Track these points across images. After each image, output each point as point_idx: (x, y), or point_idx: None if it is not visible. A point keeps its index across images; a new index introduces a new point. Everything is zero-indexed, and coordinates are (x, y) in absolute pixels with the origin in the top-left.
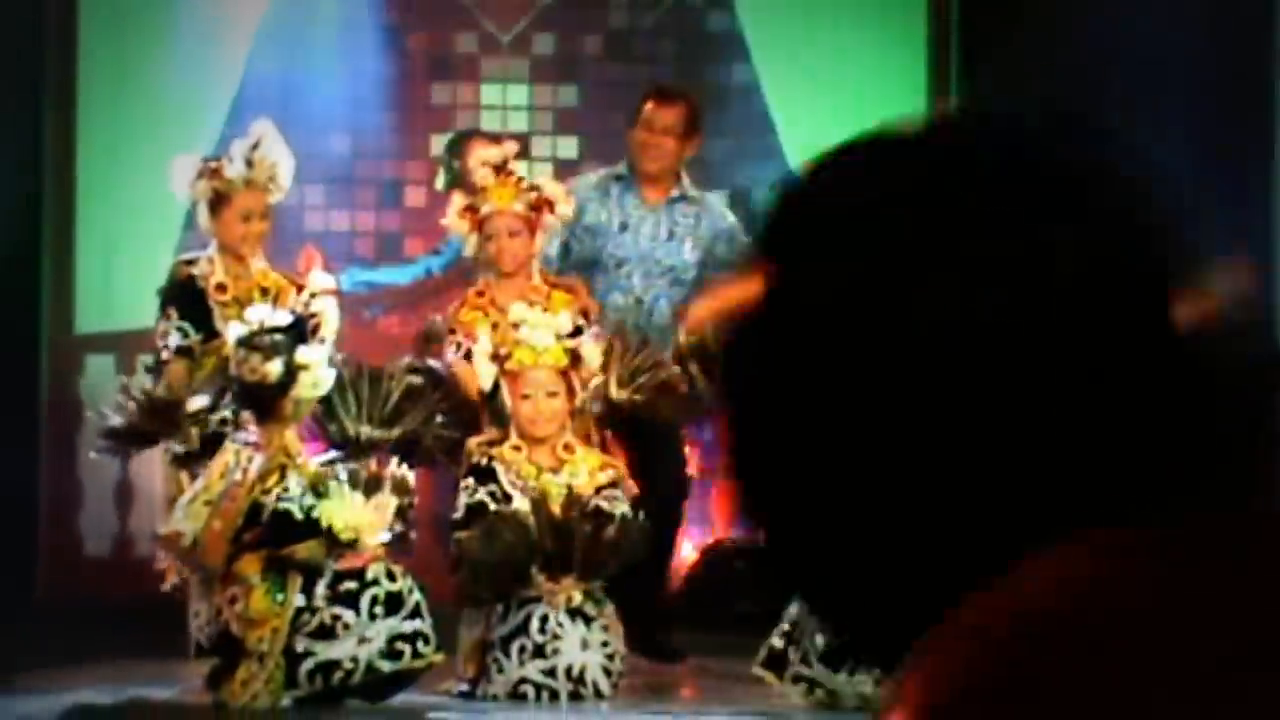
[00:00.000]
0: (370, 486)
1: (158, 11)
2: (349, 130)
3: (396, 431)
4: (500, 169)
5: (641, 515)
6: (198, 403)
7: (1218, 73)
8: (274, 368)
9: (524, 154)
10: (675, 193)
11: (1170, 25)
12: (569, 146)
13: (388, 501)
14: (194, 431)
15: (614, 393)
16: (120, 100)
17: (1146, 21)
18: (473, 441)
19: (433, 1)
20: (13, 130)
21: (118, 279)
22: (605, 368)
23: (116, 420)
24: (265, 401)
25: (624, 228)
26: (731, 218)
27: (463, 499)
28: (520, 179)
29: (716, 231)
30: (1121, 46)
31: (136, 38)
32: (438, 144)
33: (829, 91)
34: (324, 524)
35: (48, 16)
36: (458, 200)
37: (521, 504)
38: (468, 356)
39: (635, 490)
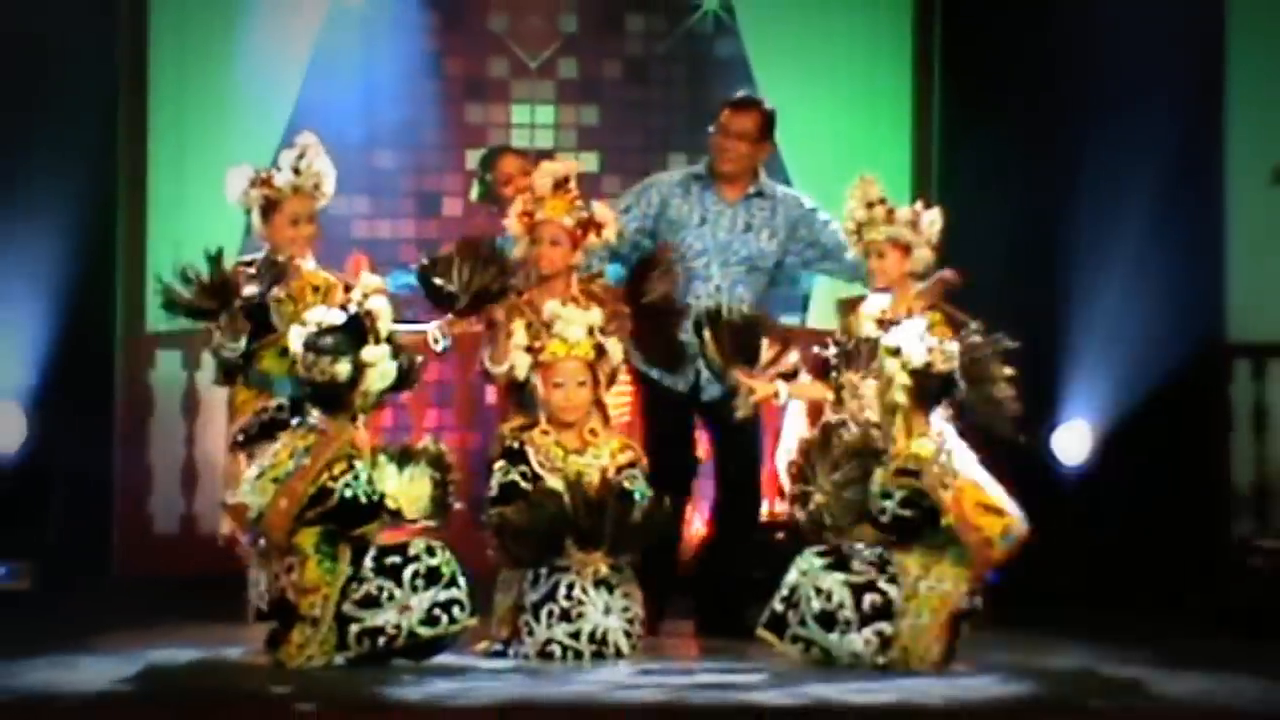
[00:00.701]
0: (404, 459)
1: (220, 39)
2: (392, 146)
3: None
4: (561, 184)
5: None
6: (247, 291)
7: (1175, 75)
8: (343, 368)
9: None
10: (751, 190)
11: (1135, 27)
12: (590, 161)
13: (423, 473)
14: (240, 318)
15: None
16: (186, 121)
17: (1116, 24)
18: (505, 427)
19: (468, 31)
20: (91, 149)
21: None
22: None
23: (179, 291)
24: (335, 398)
25: (702, 221)
26: (809, 203)
27: (496, 478)
28: (576, 197)
29: (793, 220)
30: (1095, 47)
31: (201, 64)
32: (472, 159)
33: (821, 109)
34: (391, 505)
35: (122, 44)
36: (519, 204)
37: (551, 482)
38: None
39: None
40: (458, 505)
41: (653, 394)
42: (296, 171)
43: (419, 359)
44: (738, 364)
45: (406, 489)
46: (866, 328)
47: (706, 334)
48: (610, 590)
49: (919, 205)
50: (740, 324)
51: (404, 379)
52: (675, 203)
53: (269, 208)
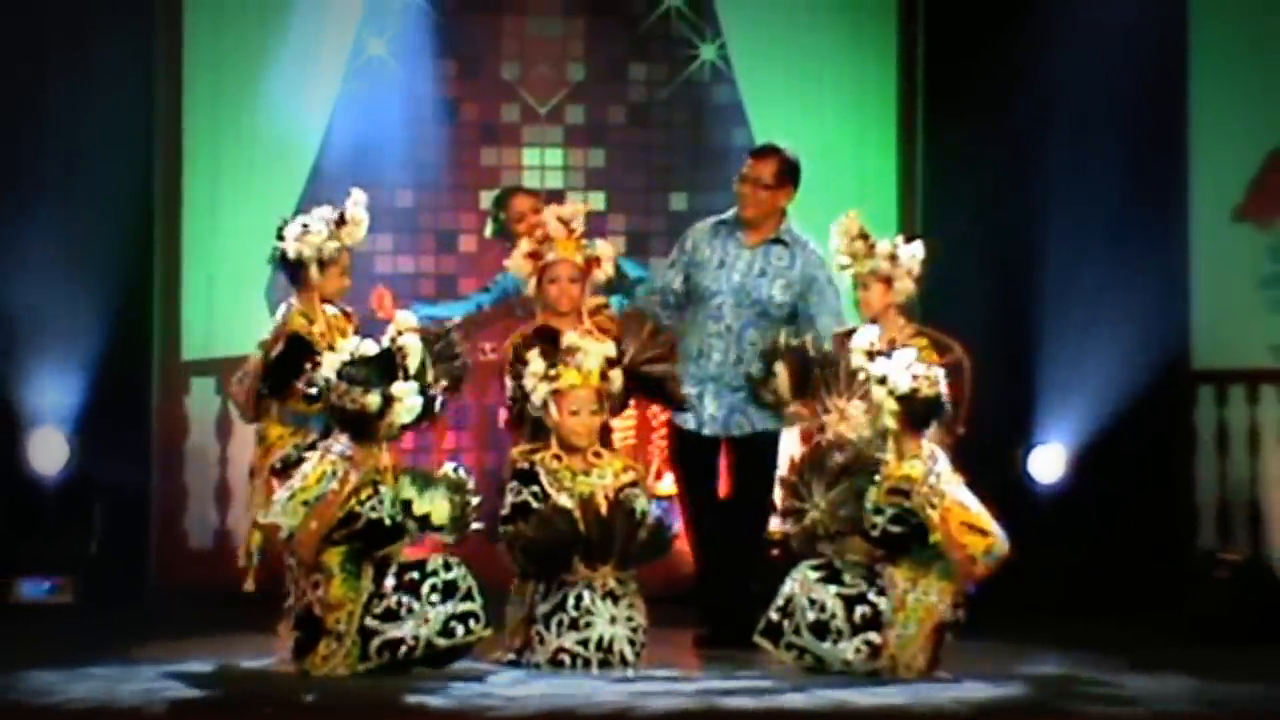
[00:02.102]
0: (425, 484)
1: (251, 82)
2: (412, 187)
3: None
4: (568, 225)
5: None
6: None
7: (1140, 112)
8: (373, 399)
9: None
10: (772, 236)
11: (1103, 65)
12: (597, 200)
13: (444, 495)
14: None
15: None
16: (220, 163)
17: (1085, 61)
18: (515, 450)
19: (482, 79)
20: (129, 188)
21: (217, 313)
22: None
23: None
24: (363, 426)
25: (721, 264)
26: (826, 271)
27: (509, 499)
28: (581, 236)
29: (810, 277)
30: (1065, 85)
31: (233, 109)
32: (486, 199)
33: (812, 153)
34: (418, 512)
35: (158, 85)
36: (524, 245)
37: (562, 501)
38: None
39: (657, 490)
40: (476, 525)
41: (678, 436)
42: (355, 225)
43: (441, 397)
44: (803, 397)
45: (427, 508)
46: (855, 359)
47: (781, 368)
48: (616, 601)
49: (900, 238)
50: (823, 359)
51: (428, 413)
52: (702, 246)
53: (333, 259)
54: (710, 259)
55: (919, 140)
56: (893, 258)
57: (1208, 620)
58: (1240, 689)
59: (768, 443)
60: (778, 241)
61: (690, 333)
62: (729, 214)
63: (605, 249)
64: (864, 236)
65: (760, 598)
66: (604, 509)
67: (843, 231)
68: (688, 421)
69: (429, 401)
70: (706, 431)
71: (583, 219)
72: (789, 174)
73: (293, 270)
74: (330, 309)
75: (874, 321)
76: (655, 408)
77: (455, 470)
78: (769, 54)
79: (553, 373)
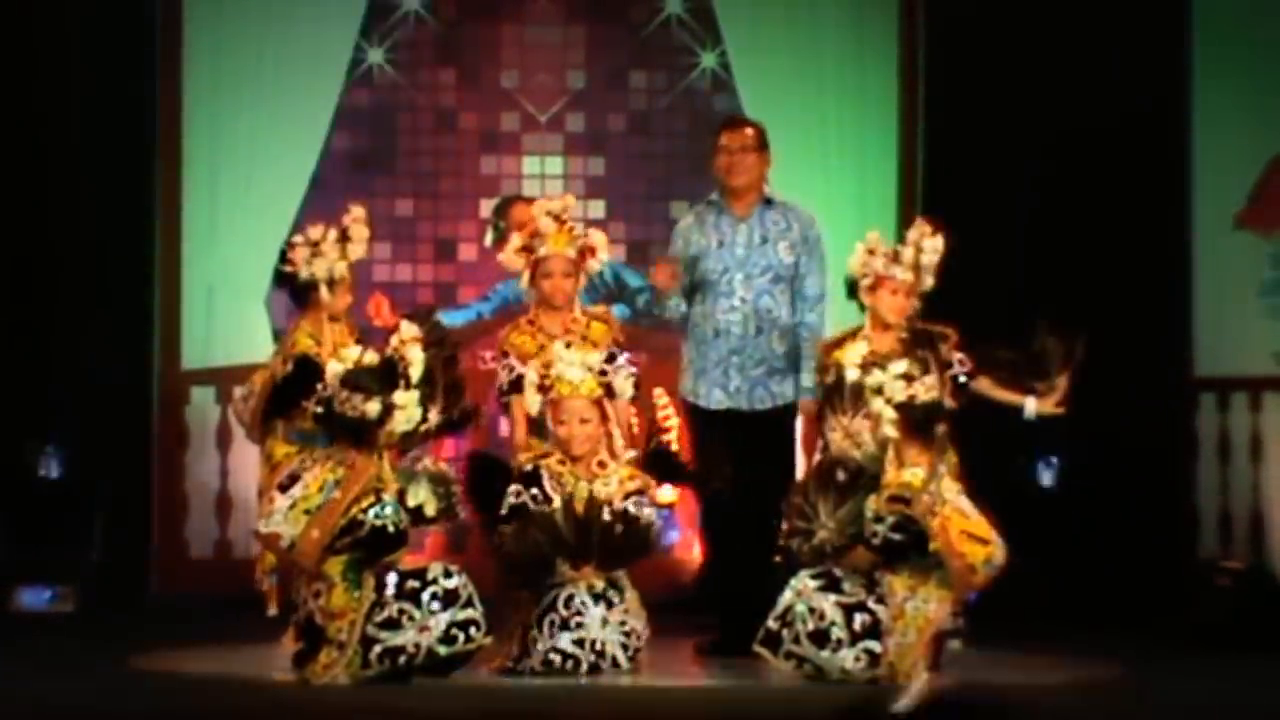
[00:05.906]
0: (409, 478)
1: (250, 94)
2: (411, 195)
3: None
4: (558, 218)
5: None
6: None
7: (1143, 122)
8: (373, 407)
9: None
10: (761, 201)
11: (1107, 73)
12: (597, 208)
13: (427, 489)
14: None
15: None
16: (219, 172)
17: (1088, 71)
18: (523, 455)
19: (482, 87)
20: (130, 199)
21: (217, 323)
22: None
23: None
24: (363, 434)
25: (720, 244)
26: (817, 229)
27: (508, 500)
28: (573, 228)
29: (804, 238)
30: (1068, 95)
31: (232, 118)
32: (486, 207)
33: (812, 161)
34: (411, 504)
35: (159, 93)
36: (516, 240)
37: (557, 503)
38: (517, 381)
39: (671, 498)
40: (461, 514)
41: (697, 418)
42: (357, 242)
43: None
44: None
45: (418, 500)
46: (850, 374)
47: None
48: (609, 605)
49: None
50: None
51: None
52: (695, 237)
53: (340, 280)
54: (709, 244)
55: (920, 149)
56: (917, 267)
57: (1209, 629)
58: (1242, 698)
59: (789, 417)
60: (769, 205)
61: (700, 321)
62: (711, 197)
63: (599, 238)
64: (895, 258)
65: (760, 606)
66: (581, 510)
67: (879, 253)
68: (709, 401)
69: (457, 420)
70: (730, 405)
71: (571, 210)
72: (765, 140)
73: (301, 291)
74: (333, 324)
75: (888, 329)
76: (658, 414)
77: (434, 462)
78: (770, 61)
79: (547, 383)
